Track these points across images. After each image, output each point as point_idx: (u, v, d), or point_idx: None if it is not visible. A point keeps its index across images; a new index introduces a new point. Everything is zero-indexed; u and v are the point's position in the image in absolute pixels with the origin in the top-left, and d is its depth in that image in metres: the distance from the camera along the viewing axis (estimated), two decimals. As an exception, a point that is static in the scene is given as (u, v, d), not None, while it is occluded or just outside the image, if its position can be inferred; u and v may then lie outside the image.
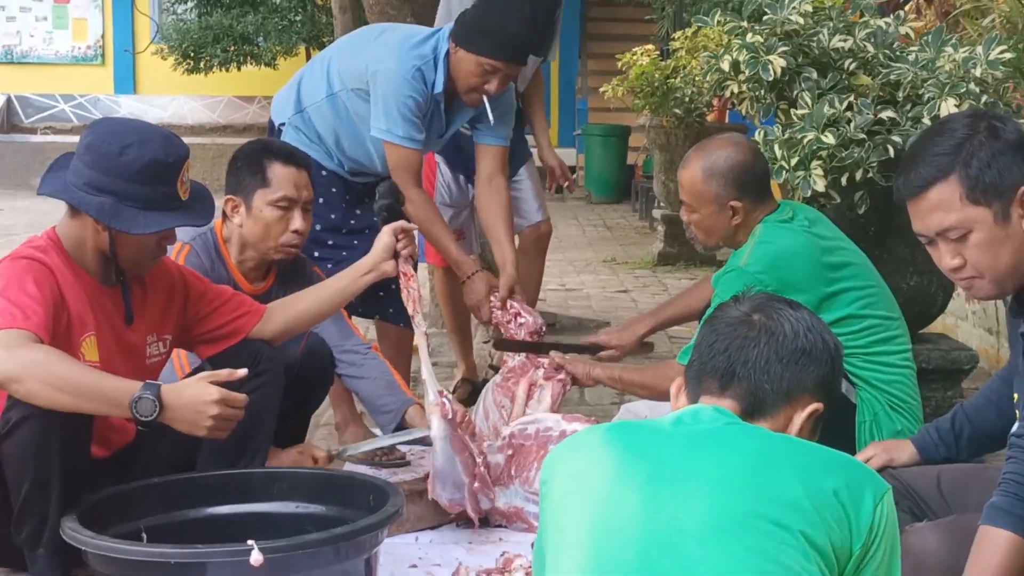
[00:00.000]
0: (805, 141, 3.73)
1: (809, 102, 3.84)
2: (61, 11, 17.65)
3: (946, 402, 3.99)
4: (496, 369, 3.97)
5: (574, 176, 6.48)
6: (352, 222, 4.14)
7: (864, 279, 3.39)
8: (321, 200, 3.92)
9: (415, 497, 3.29)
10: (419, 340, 3.33)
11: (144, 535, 2.69)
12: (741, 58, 3.91)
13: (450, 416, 3.19)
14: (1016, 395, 2.45)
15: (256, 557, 2.37)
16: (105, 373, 2.66)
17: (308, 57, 15.00)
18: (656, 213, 9.49)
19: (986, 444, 2.82)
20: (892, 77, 3.87)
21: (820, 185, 3.70)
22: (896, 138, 3.72)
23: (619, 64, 8.42)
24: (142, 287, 3.03)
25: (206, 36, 14.74)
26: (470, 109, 4.06)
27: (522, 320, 3.84)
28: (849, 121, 3.74)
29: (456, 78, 3.90)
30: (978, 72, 3.77)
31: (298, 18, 14.81)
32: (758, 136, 3.84)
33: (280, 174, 3.50)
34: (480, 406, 3.84)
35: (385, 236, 3.27)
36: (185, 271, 3.21)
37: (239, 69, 15.26)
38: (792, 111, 3.89)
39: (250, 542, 2.39)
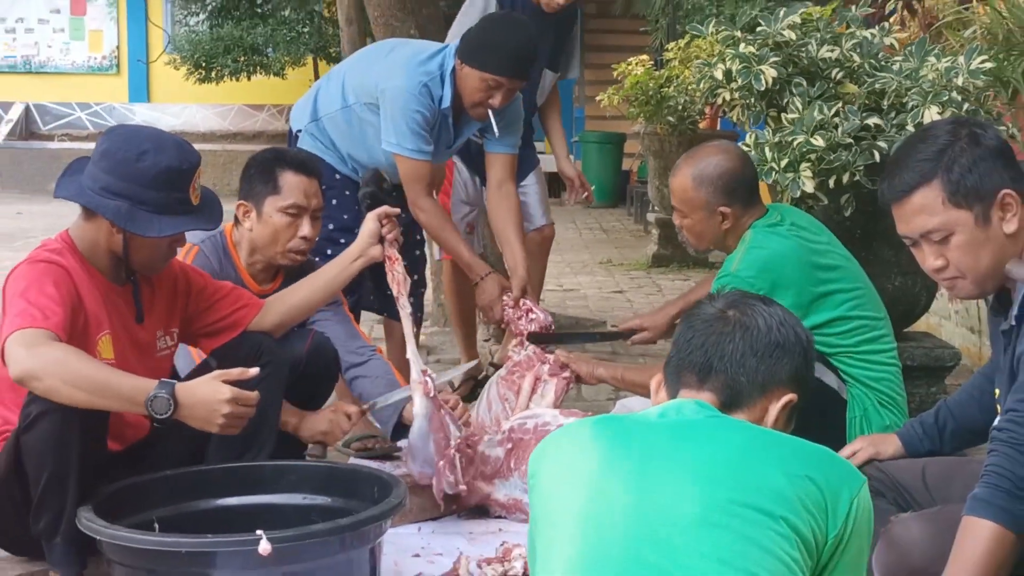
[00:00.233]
0: (795, 144, 3.78)
1: (800, 107, 3.89)
2: (78, 23, 17.79)
3: (930, 398, 4.04)
4: (496, 366, 4.04)
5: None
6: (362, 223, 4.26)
7: (852, 281, 3.42)
8: (334, 202, 4.11)
9: (417, 489, 3.34)
10: (404, 320, 3.43)
11: (156, 525, 2.72)
12: (734, 67, 3.97)
13: (432, 394, 3.27)
14: (997, 391, 2.50)
15: (264, 547, 2.40)
16: (122, 372, 2.69)
17: (315, 67, 15.16)
18: (650, 217, 9.52)
19: (968, 438, 2.85)
20: (877, 86, 3.93)
21: (809, 187, 3.76)
22: (882, 144, 3.77)
23: (615, 74, 8.48)
24: (150, 285, 3.07)
25: (217, 47, 14.80)
26: (477, 121, 4.16)
27: (533, 316, 3.94)
28: (837, 126, 3.80)
29: (462, 93, 4.01)
30: (960, 81, 3.84)
31: (306, 30, 14.86)
32: (749, 139, 3.89)
33: (291, 182, 3.57)
34: (484, 398, 3.92)
35: (370, 222, 3.36)
36: (185, 267, 3.24)
37: (249, 79, 15.33)
38: (783, 116, 3.94)
39: (258, 532, 2.42)
